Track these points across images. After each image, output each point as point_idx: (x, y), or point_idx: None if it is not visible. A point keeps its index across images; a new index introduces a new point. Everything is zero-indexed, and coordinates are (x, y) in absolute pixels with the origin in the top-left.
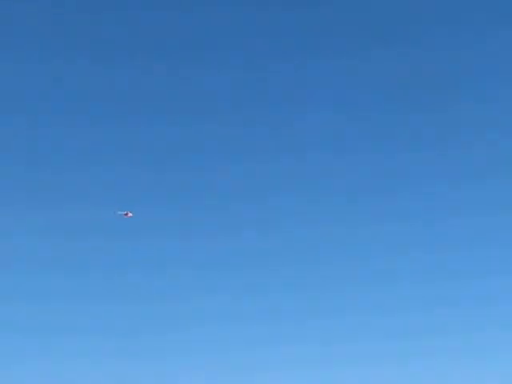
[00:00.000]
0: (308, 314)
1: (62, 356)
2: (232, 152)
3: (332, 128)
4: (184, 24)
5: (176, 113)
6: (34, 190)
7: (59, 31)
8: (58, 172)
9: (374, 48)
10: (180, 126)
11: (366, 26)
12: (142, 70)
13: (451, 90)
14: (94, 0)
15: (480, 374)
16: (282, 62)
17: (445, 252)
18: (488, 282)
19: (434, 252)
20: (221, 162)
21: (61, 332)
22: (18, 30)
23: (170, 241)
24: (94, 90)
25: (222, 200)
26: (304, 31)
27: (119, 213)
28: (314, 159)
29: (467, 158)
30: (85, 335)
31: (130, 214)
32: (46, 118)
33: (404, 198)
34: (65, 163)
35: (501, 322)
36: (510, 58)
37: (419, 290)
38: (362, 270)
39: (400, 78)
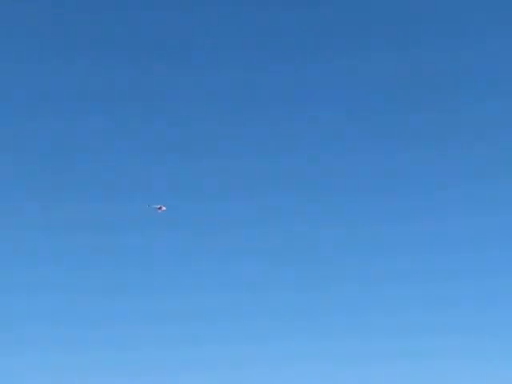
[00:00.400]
0: (307, 310)
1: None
2: (232, 151)
3: (332, 128)
4: (184, 24)
5: (176, 112)
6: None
7: (59, 31)
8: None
9: (374, 48)
10: (179, 125)
11: (366, 27)
12: (142, 70)
13: (451, 90)
14: (93, 0)
15: (480, 374)
16: (282, 62)
17: (445, 252)
18: (488, 282)
19: (434, 252)
20: (221, 161)
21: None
22: (17, 30)
23: (169, 237)
24: (94, 90)
25: (222, 198)
26: (304, 31)
27: (153, 206)
28: (314, 159)
29: (467, 157)
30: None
31: (163, 208)
32: (46, 116)
33: (404, 197)
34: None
35: (501, 322)
36: (510, 58)
37: (419, 290)
38: (361, 270)
39: (400, 78)
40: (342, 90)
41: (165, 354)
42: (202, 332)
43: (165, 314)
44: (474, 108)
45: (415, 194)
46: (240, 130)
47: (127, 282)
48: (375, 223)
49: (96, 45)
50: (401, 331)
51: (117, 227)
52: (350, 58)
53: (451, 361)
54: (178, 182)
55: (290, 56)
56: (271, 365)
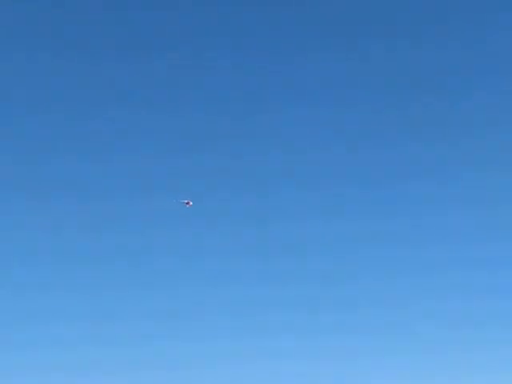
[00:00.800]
0: (308, 306)
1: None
2: (231, 150)
3: (331, 126)
4: (184, 24)
5: (175, 112)
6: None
7: (59, 31)
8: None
9: (374, 47)
10: (179, 125)
11: (367, 26)
12: (142, 70)
13: (451, 87)
14: (94, 0)
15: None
16: (281, 61)
17: (445, 243)
18: (491, 273)
19: (435, 244)
20: (221, 160)
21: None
22: (18, 30)
23: (169, 235)
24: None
25: (221, 197)
26: (304, 31)
27: (181, 201)
28: (314, 157)
29: (467, 157)
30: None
31: (190, 203)
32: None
33: (403, 191)
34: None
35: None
36: (510, 58)
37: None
38: (361, 264)
39: (399, 76)
40: (341, 88)
41: (163, 351)
42: (201, 328)
43: (164, 311)
44: (474, 108)
45: (414, 189)
46: (239, 129)
47: (128, 279)
48: (375, 217)
49: (96, 45)
50: (402, 325)
51: (117, 226)
52: (350, 57)
53: (452, 353)
54: (178, 182)
55: (289, 54)
56: (271, 360)
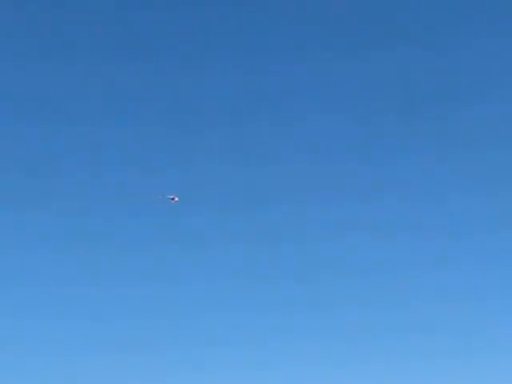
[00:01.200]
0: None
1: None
2: (232, 156)
3: (332, 129)
4: (184, 24)
5: (176, 112)
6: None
7: (59, 31)
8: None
9: (375, 48)
10: (178, 126)
11: (367, 27)
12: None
13: (452, 92)
14: (94, 0)
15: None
16: (281, 61)
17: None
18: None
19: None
20: (221, 166)
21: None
22: (18, 30)
23: (168, 250)
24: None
25: (222, 207)
26: (303, 31)
27: (167, 197)
28: (313, 160)
29: (467, 159)
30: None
31: (176, 199)
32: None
33: (403, 198)
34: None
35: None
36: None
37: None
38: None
39: (400, 78)
40: (342, 90)
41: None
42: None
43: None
44: (475, 109)
45: (415, 196)
46: (239, 129)
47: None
48: (376, 225)
49: (96, 45)
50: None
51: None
52: (351, 58)
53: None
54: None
55: (289, 55)
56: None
